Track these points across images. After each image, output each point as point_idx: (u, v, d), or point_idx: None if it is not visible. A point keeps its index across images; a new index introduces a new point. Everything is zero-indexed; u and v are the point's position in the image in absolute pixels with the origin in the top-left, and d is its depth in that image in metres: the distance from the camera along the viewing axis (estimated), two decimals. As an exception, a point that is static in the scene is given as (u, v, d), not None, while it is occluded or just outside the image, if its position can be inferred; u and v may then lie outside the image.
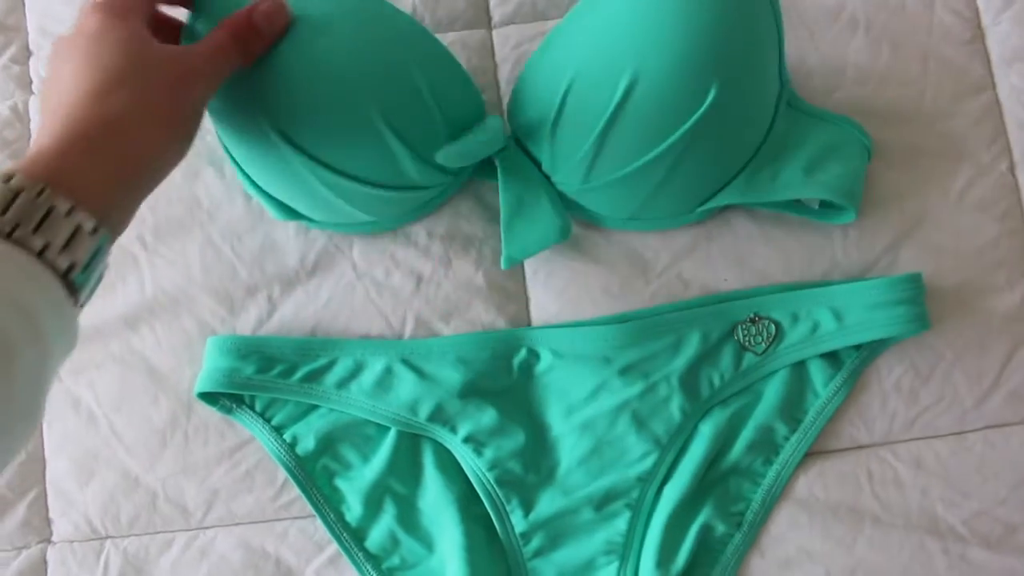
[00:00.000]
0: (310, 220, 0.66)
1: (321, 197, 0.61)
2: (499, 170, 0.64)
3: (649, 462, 0.64)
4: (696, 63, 0.56)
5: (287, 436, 0.65)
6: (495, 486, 0.64)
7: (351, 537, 0.64)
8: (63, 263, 0.43)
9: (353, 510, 0.64)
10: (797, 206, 0.66)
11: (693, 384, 0.64)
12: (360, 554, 0.64)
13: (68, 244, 0.43)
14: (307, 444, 0.65)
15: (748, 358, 0.64)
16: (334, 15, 0.56)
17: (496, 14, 0.72)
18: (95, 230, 0.44)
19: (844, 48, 0.70)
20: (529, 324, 0.67)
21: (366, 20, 0.57)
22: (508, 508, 0.64)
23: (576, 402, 0.65)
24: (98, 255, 0.45)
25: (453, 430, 0.64)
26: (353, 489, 0.64)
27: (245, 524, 0.66)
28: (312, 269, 0.68)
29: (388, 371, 0.65)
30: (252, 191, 0.65)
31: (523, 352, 0.65)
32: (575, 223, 0.66)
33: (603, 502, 0.64)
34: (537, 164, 0.64)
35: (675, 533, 0.63)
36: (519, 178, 0.64)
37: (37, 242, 0.42)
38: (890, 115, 0.68)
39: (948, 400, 0.66)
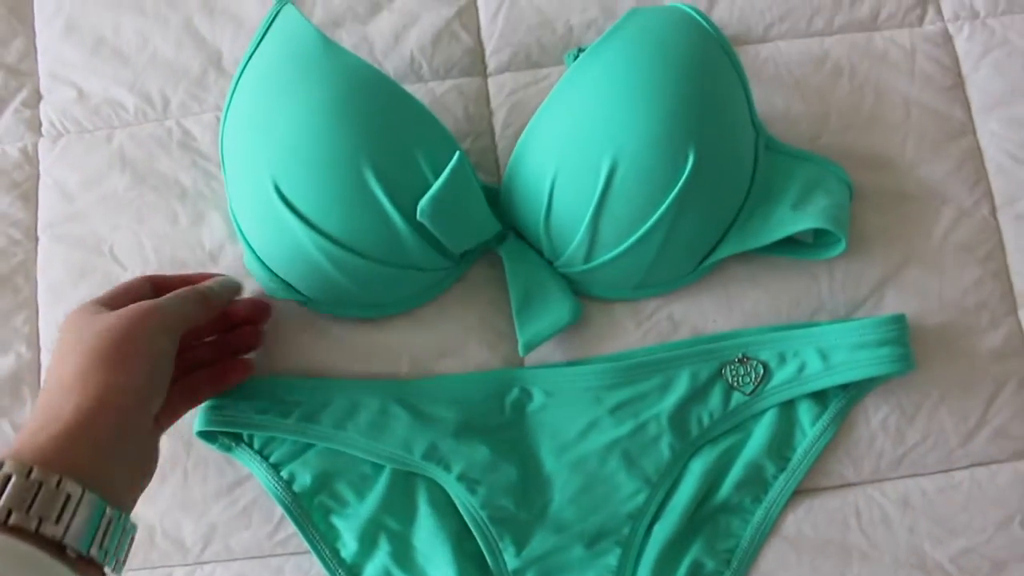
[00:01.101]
0: (309, 300, 0.68)
1: (325, 274, 0.63)
2: (504, 261, 0.67)
3: (639, 500, 0.65)
4: (671, 135, 0.59)
5: (284, 473, 0.66)
6: (488, 523, 0.64)
7: (346, 573, 0.65)
8: (57, 532, 0.45)
9: (348, 547, 0.65)
10: (788, 246, 0.68)
11: (682, 423, 0.65)
12: None
13: (61, 515, 0.45)
14: (304, 481, 0.66)
15: (736, 398, 0.66)
16: (325, 74, 0.59)
17: (491, 63, 0.74)
18: (81, 496, 0.46)
19: (828, 95, 0.72)
20: (522, 364, 0.69)
21: (356, 80, 0.60)
22: (501, 545, 0.64)
23: (567, 440, 0.66)
24: (103, 524, 0.47)
25: (447, 468, 0.65)
26: (348, 526, 0.65)
27: (242, 560, 0.67)
28: (309, 311, 0.69)
29: (383, 411, 0.66)
30: (254, 267, 0.67)
31: (515, 391, 0.66)
32: (583, 299, 0.68)
33: (594, 539, 0.65)
34: (539, 251, 0.67)
35: (665, 570, 0.64)
36: (524, 267, 0.67)
37: (31, 522, 0.44)
38: (874, 160, 0.70)
39: (934, 438, 0.67)
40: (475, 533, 0.64)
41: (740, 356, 0.66)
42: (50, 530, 0.44)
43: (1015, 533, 0.65)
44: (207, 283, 0.61)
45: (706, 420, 0.66)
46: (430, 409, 0.66)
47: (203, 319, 0.60)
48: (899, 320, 0.65)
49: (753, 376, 0.66)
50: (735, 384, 0.66)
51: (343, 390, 0.67)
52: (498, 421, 0.66)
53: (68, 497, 0.45)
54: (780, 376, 0.66)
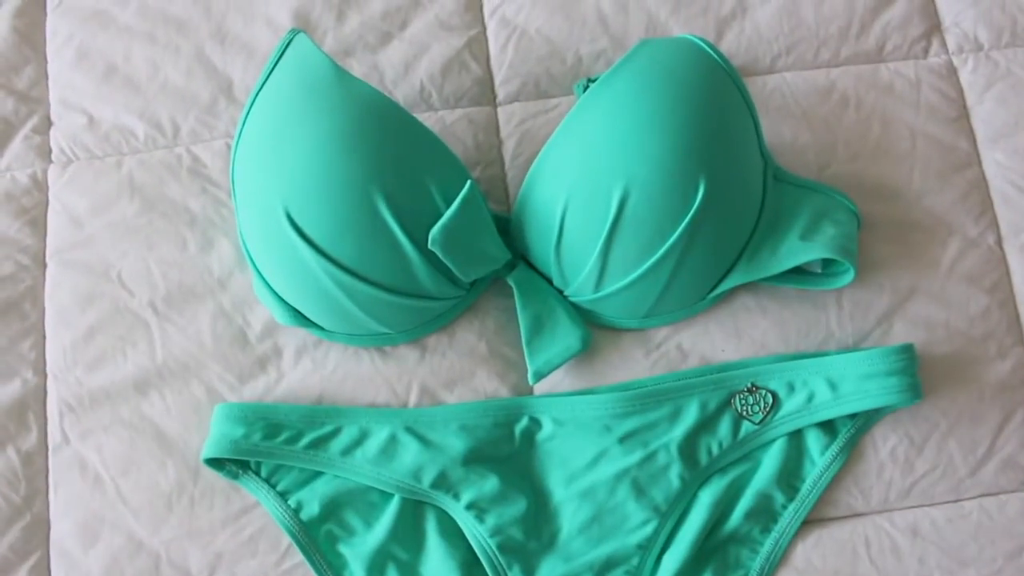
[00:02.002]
0: (321, 329, 0.68)
1: (335, 301, 0.63)
2: (515, 290, 0.67)
3: (649, 529, 0.65)
4: (682, 165, 0.60)
5: (292, 502, 0.66)
6: (497, 552, 0.64)
7: None
8: None
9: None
10: (797, 276, 0.68)
11: (692, 452, 0.65)
12: None
13: None
14: (311, 510, 0.65)
15: (746, 427, 0.66)
16: (337, 103, 0.60)
17: (501, 92, 0.75)
18: None
19: (835, 126, 0.72)
20: (531, 393, 0.69)
21: (369, 109, 0.60)
22: (510, 574, 0.64)
23: (577, 470, 0.66)
24: None
25: (456, 497, 0.65)
26: (356, 555, 0.65)
27: (249, 589, 0.67)
28: (319, 339, 0.69)
29: (392, 439, 0.66)
30: (263, 294, 0.67)
31: (525, 420, 0.66)
32: (592, 328, 0.68)
33: (603, 569, 0.64)
34: (548, 280, 0.67)
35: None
36: (534, 296, 0.67)
37: None
38: (880, 190, 0.71)
39: (943, 468, 0.67)
40: (483, 562, 0.64)
41: (749, 385, 0.66)
42: None
43: (1024, 564, 0.65)
44: None
45: (715, 449, 0.66)
46: (439, 438, 0.66)
47: None
48: (907, 350, 0.65)
49: (762, 405, 0.66)
50: (744, 413, 0.66)
51: (352, 418, 0.66)
52: (508, 450, 0.66)
53: None
54: (789, 405, 0.66)
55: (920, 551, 0.66)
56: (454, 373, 0.69)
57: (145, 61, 0.75)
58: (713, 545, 0.65)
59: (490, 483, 0.65)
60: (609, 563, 0.64)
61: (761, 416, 0.66)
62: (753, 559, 0.65)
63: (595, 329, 0.69)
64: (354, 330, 0.67)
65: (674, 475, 0.65)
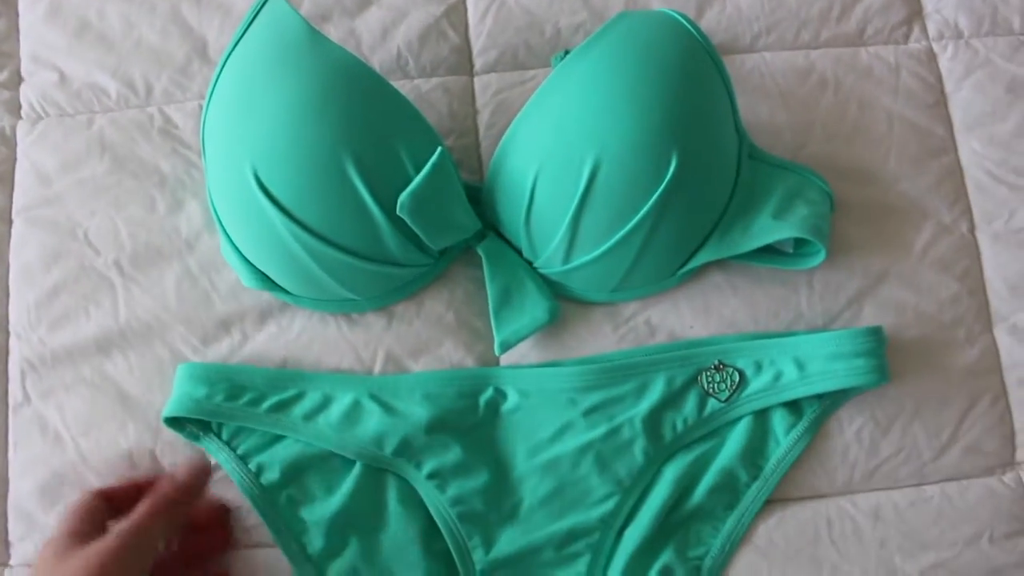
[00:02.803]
0: (287, 294, 0.68)
1: (303, 266, 0.62)
2: (483, 260, 0.66)
3: (611, 504, 0.64)
4: (655, 137, 0.59)
5: (252, 465, 0.65)
6: (457, 522, 0.64)
7: (312, 569, 0.64)
8: None
9: (315, 542, 0.64)
10: (768, 255, 0.68)
11: (656, 428, 0.65)
12: None
13: None
14: (272, 474, 0.65)
15: (712, 404, 0.66)
16: (310, 64, 0.59)
17: (478, 62, 0.74)
18: None
19: (813, 107, 0.72)
20: (498, 364, 0.68)
21: (341, 72, 0.60)
22: (469, 545, 0.64)
23: (540, 442, 0.65)
24: None
25: (418, 466, 0.65)
26: (316, 521, 0.64)
27: (207, 553, 0.66)
28: (285, 304, 0.69)
29: (356, 405, 0.65)
30: (231, 257, 0.67)
31: (490, 391, 0.66)
32: (561, 300, 0.68)
33: (564, 542, 0.64)
34: (518, 251, 0.67)
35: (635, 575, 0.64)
36: (503, 266, 0.66)
37: None
38: (856, 173, 0.71)
39: (907, 452, 0.67)
40: (443, 532, 0.64)
41: (716, 363, 0.66)
42: None
43: (984, 549, 0.65)
44: (169, 486, 0.59)
45: (680, 426, 0.65)
46: (403, 405, 0.65)
47: (174, 533, 0.60)
48: (876, 332, 0.65)
49: (729, 383, 0.66)
50: (711, 391, 0.66)
51: (316, 383, 0.66)
52: (472, 420, 0.66)
53: None
54: (756, 384, 0.66)
55: (881, 534, 0.66)
56: (421, 342, 0.68)
57: (119, 18, 0.74)
58: (675, 521, 0.65)
59: (452, 453, 0.64)
60: (570, 536, 0.64)
61: (727, 394, 0.65)
62: (715, 536, 0.65)
63: (564, 302, 0.68)
64: (320, 295, 0.67)
65: (638, 450, 0.65)
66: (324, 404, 0.65)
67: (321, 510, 0.65)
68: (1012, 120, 0.72)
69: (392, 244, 0.62)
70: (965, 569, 0.65)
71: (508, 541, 0.64)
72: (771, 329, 0.68)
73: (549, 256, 0.64)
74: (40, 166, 0.72)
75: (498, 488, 0.65)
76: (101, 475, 0.67)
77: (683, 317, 0.68)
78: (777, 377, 0.65)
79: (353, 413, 0.65)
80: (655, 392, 0.65)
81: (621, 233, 0.61)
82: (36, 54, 0.75)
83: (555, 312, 0.66)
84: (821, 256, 0.66)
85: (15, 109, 0.74)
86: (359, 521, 0.65)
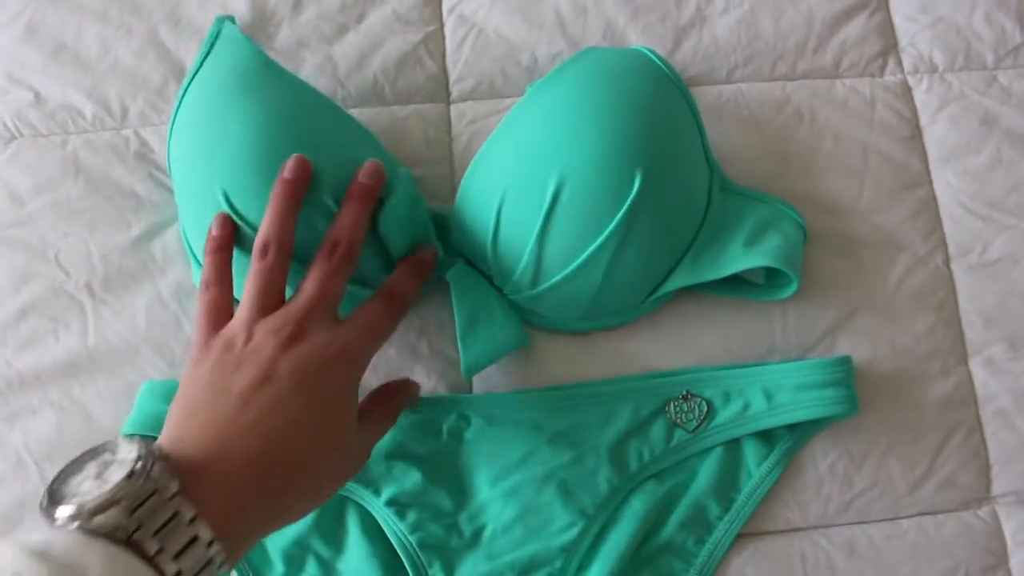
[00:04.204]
0: None
1: None
2: (451, 286, 0.66)
3: (574, 532, 0.63)
4: (618, 155, 0.59)
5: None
6: (417, 549, 0.63)
7: None
8: (171, 570, 0.43)
9: (275, 568, 0.63)
10: (741, 287, 0.68)
11: (622, 457, 0.64)
12: None
13: (182, 552, 0.43)
14: None
15: (679, 434, 0.65)
16: (269, 90, 0.60)
17: (455, 90, 0.74)
18: (211, 543, 0.45)
19: (788, 138, 0.72)
20: (470, 391, 0.68)
21: (301, 98, 0.61)
22: (430, 572, 0.63)
23: (504, 468, 0.64)
24: (206, 569, 0.45)
25: (376, 492, 0.64)
26: (275, 546, 0.63)
27: (170, 581, 0.65)
28: (257, 326, 0.68)
29: None
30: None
31: (453, 417, 0.65)
32: (533, 330, 0.67)
33: (526, 570, 0.63)
34: (488, 278, 0.66)
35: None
36: (470, 292, 0.66)
37: (153, 545, 0.42)
38: (831, 204, 0.71)
39: (882, 486, 0.66)
40: (403, 558, 0.63)
41: (684, 393, 0.65)
42: (167, 566, 0.43)
43: (960, 585, 0.65)
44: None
45: (646, 455, 0.65)
46: None
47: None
48: (845, 362, 0.65)
49: (697, 413, 0.65)
50: (678, 421, 0.65)
51: None
52: (434, 446, 0.65)
53: (195, 538, 0.44)
54: (724, 415, 0.65)
55: (856, 568, 0.65)
56: (391, 369, 0.68)
57: (96, 40, 0.74)
58: (645, 555, 0.64)
59: (412, 479, 0.64)
60: (532, 564, 0.63)
61: (695, 424, 0.65)
62: (687, 571, 0.64)
63: (535, 332, 0.68)
64: None
65: (602, 479, 0.64)
66: None
67: (280, 535, 0.64)
68: (986, 153, 0.72)
69: (361, 265, 0.62)
70: (940, 605, 0.64)
71: (469, 568, 0.63)
72: (746, 360, 0.68)
73: (516, 280, 0.64)
74: (12, 186, 0.71)
75: (459, 514, 0.64)
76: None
77: (657, 347, 0.68)
78: (745, 408, 0.65)
79: None
80: (621, 421, 0.65)
81: (587, 253, 0.61)
82: (11, 73, 0.74)
83: (523, 338, 0.65)
84: (793, 287, 0.66)
85: (-11, 129, 0.74)
86: (318, 548, 0.64)
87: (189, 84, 0.63)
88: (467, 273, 0.66)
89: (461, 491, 0.64)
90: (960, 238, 0.71)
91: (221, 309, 0.56)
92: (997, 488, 0.67)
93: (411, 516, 0.63)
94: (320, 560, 0.63)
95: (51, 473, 0.64)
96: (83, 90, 0.74)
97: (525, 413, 0.65)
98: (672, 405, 0.65)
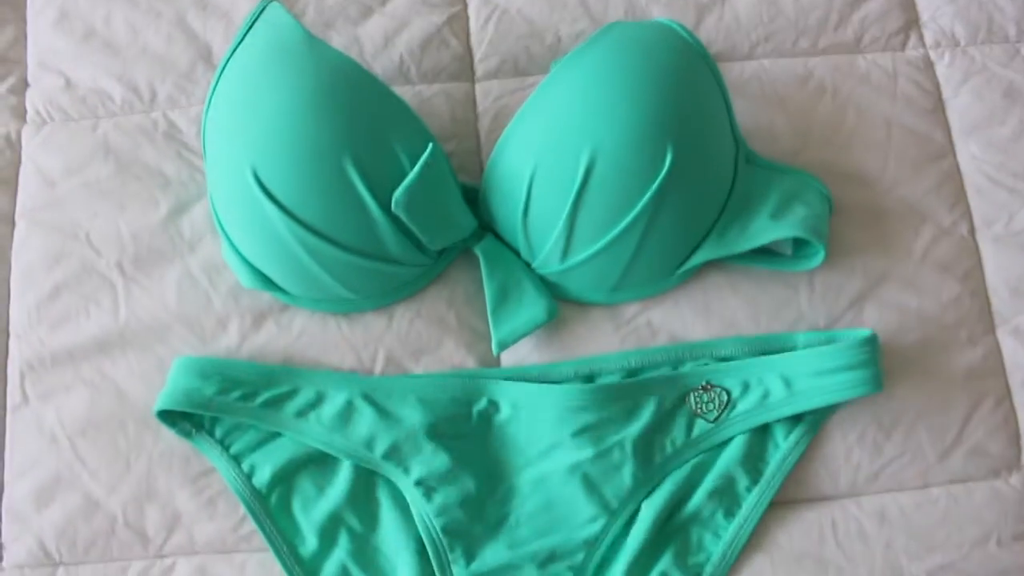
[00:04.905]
0: (285, 293, 0.68)
1: (302, 264, 0.63)
2: (481, 260, 0.66)
3: (597, 527, 0.63)
4: (650, 131, 0.60)
5: (245, 465, 0.65)
6: (440, 533, 0.63)
7: (303, 572, 0.63)
8: None
9: (308, 543, 0.64)
10: (768, 257, 0.68)
11: (647, 450, 0.64)
12: None
13: None
14: (264, 474, 0.64)
15: (700, 425, 0.65)
16: (308, 67, 0.60)
17: (479, 69, 0.75)
18: None
19: (811, 112, 0.73)
20: (499, 365, 0.68)
21: (339, 74, 0.61)
22: (451, 557, 0.63)
23: (531, 457, 0.64)
24: None
25: (406, 471, 0.64)
26: (308, 521, 0.64)
27: (204, 554, 0.65)
28: (285, 304, 0.69)
29: (349, 405, 0.65)
30: (231, 259, 0.67)
31: (484, 401, 0.65)
32: (561, 303, 0.68)
33: (547, 561, 0.63)
34: (516, 252, 0.67)
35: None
36: (500, 266, 0.66)
37: None
38: (855, 177, 0.71)
39: (911, 454, 0.66)
40: (425, 541, 0.63)
41: (704, 383, 0.65)
42: None
43: (991, 551, 0.64)
44: None
45: (669, 448, 0.65)
46: (396, 408, 0.65)
47: None
48: (867, 343, 0.64)
49: (717, 404, 0.65)
50: (699, 411, 0.65)
51: (309, 380, 0.65)
52: (464, 429, 0.65)
53: None
54: (744, 404, 0.65)
55: (887, 536, 0.65)
56: (421, 342, 0.68)
57: (125, 25, 0.75)
58: (674, 527, 0.64)
59: (441, 461, 0.63)
60: (553, 555, 0.63)
61: (716, 414, 0.65)
62: (716, 543, 0.64)
63: (564, 304, 0.68)
64: (320, 295, 0.67)
65: (627, 473, 0.64)
66: (317, 402, 0.65)
67: (314, 510, 0.64)
68: (1010, 125, 0.73)
69: (390, 242, 0.62)
70: (973, 571, 0.64)
71: (491, 555, 0.63)
72: (773, 330, 0.68)
73: (547, 255, 0.64)
74: (44, 169, 0.73)
75: (485, 500, 0.64)
76: (97, 475, 0.66)
77: (684, 318, 0.68)
78: (765, 396, 0.65)
79: (345, 413, 0.64)
80: (646, 414, 0.64)
81: (618, 229, 0.61)
82: (43, 60, 0.75)
83: (553, 311, 0.66)
84: (820, 257, 0.66)
85: (21, 114, 0.75)
86: (351, 522, 0.64)
87: (227, 61, 0.63)
88: (496, 247, 0.67)
89: (488, 476, 0.64)
90: (985, 209, 0.71)
91: None
92: (1027, 456, 0.67)
93: (438, 499, 0.63)
94: (353, 533, 0.64)
95: (84, 449, 0.66)
96: (113, 74, 0.75)
97: (550, 404, 0.64)
98: (692, 396, 0.65)
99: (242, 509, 0.65)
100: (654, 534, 0.63)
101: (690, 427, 0.65)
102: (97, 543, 0.66)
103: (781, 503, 0.65)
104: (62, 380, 0.68)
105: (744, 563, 0.64)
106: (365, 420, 0.64)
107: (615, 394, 0.65)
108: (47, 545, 0.66)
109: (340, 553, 0.64)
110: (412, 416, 0.64)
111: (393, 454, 0.64)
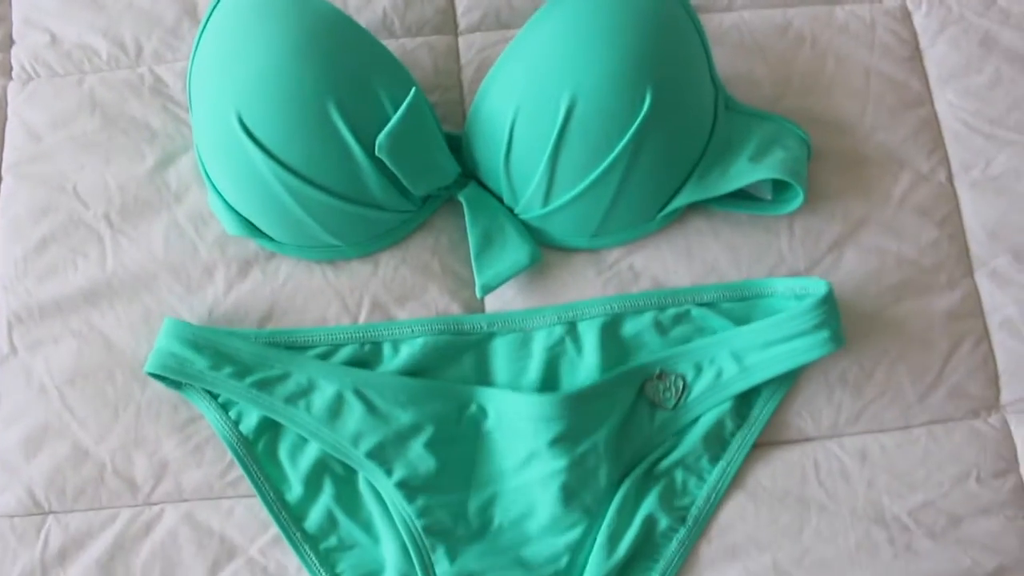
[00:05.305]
0: (272, 241, 0.68)
1: (286, 209, 0.63)
2: (464, 206, 0.67)
3: (578, 532, 0.64)
4: (629, 74, 0.60)
5: (232, 413, 0.65)
6: (422, 533, 0.63)
7: (289, 517, 0.64)
8: None
9: (294, 489, 0.64)
10: (748, 202, 0.69)
11: (617, 448, 0.65)
12: (298, 534, 0.64)
13: None
14: (251, 420, 0.65)
15: (660, 415, 0.65)
16: (292, 13, 0.61)
17: (463, 22, 0.76)
18: None
19: (791, 61, 0.74)
20: (483, 310, 0.69)
21: (323, 19, 0.61)
22: (433, 556, 0.63)
23: (514, 465, 0.64)
24: None
25: (388, 472, 0.64)
26: (294, 467, 0.64)
27: (192, 501, 0.66)
28: (271, 252, 0.69)
29: (339, 397, 0.64)
30: (217, 208, 0.68)
31: (473, 407, 0.65)
32: (544, 248, 0.68)
33: (532, 566, 0.64)
34: (499, 199, 0.67)
35: (620, 523, 0.64)
36: (484, 212, 0.67)
37: None
38: (834, 124, 0.72)
39: (892, 394, 0.67)
40: (407, 540, 0.63)
41: (658, 372, 0.66)
42: None
43: (971, 488, 0.65)
44: None
45: (637, 440, 0.65)
46: (386, 407, 0.64)
47: None
48: (817, 307, 0.64)
49: (674, 391, 0.65)
50: (656, 401, 0.65)
51: (302, 367, 0.65)
52: (452, 433, 0.65)
53: None
54: (699, 386, 0.65)
55: (869, 475, 0.66)
56: (406, 288, 0.69)
57: (111, -20, 0.76)
58: (661, 471, 0.65)
59: (426, 465, 0.64)
60: (537, 560, 0.64)
61: (673, 401, 0.65)
62: (701, 486, 0.65)
63: (548, 250, 0.69)
64: (304, 241, 0.67)
65: (603, 475, 0.64)
66: (307, 390, 0.64)
67: (300, 457, 0.65)
68: (986, 73, 0.74)
69: (374, 186, 0.63)
70: (953, 508, 0.65)
71: (474, 558, 0.64)
72: (753, 274, 0.69)
73: (529, 198, 0.65)
74: (30, 124, 0.73)
75: (469, 504, 0.64)
76: (85, 424, 0.67)
77: (666, 263, 0.69)
78: (718, 375, 0.65)
79: (335, 406, 0.64)
80: (613, 416, 0.64)
81: (598, 171, 0.62)
82: (28, 17, 0.76)
83: (536, 255, 0.66)
84: (799, 200, 0.67)
85: (6, 71, 0.75)
86: (336, 468, 0.65)
87: (213, 10, 0.64)
88: (480, 194, 0.68)
89: (473, 481, 0.64)
90: (962, 155, 0.72)
91: None
92: (1006, 396, 0.68)
93: (419, 501, 0.63)
94: (337, 479, 0.65)
95: (73, 398, 0.66)
96: (98, 30, 0.75)
97: (526, 414, 0.64)
98: (648, 387, 0.65)
99: (229, 456, 0.65)
100: (632, 493, 0.64)
101: (652, 418, 0.65)
102: (86, 491, 0.66)
103: (764, 445, 0.66)
104: (50, 331, 0.69)
105: (728, 503, 0.65)
106: (354, 416, 0.64)
107: (582, 401, 0.64)
108: (36, 494, 0.66)
109: (325, 498, 0.64)
110: (401, 416, 0.64)
111: (377, 453, 0.64)
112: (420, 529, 0.63)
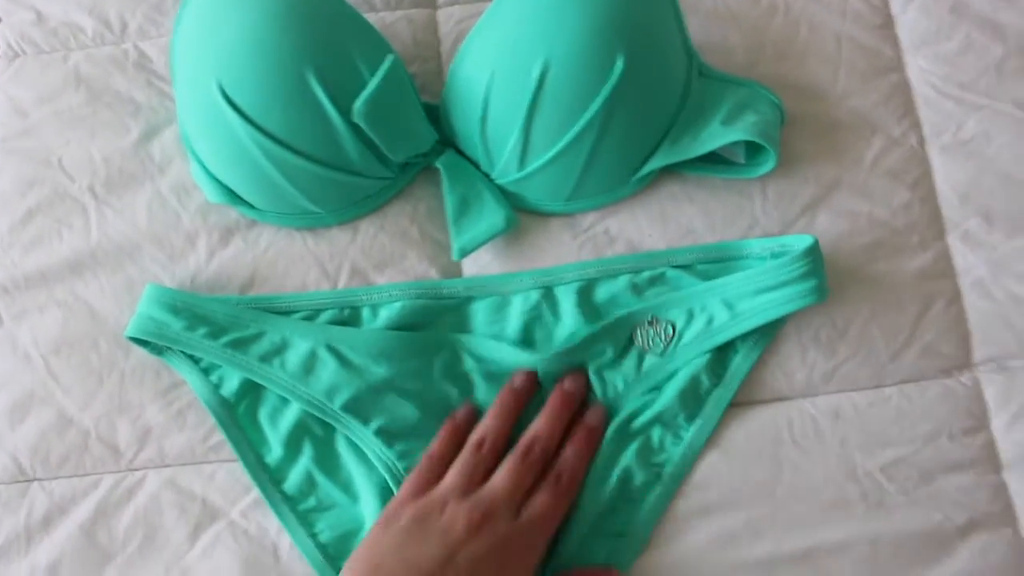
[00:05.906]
0: (253, 209, 0.69)
1: (267, 176, 0.65)
2: (442, 173, 0.68)
3: None
4: (601, 39, 0.61)
5: (213, 377, 0.66)
6: (405, 476, 0.64)
7: (269, 479, 0.65)
8: None
9: (274, 451, 0.65)
10: (721, 166, 0.70)
11: (602, 391, 0.66)
12: (277, 495, 0.65)
13: None
14: (232, 384, 0.66)
15: (648, 360, 0.66)
16: None
17: (442, -5, 0.77)
18: None
19: (764, 29, 0.74)
20: (460, 274, 0.70)
21: None
22: None
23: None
24: None
25: (365, 422, 0.65)
26: (274, 430, 0.65)
27: (175, 466, 0.67)
28: (252, 220, 0.71)
29: (312, 354, 0.65)
30: (200, 178, 0.69)
31: (446, 354, 0.66)
32: (520, 213, 0.70)
33: None
34: (476, 165, 0.69)
35: (597, 475, 0.64)
36: (461, 178, 0.68)
37: None
38: (807, 89, 0.73)
39: (865, 354, 0.68)
40: (391, 483, 0.64)
41: (650, 318, 0.67)
42: None
43: (943, 445, 0.66)
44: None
45: (621, 386, 0.66)
46: (360, 360, 0.65)
47: None
48: (806, 256, 0.64)
49: (663, 337, 0.66)
50: (647, 346, 0.66)
51: (275, 326, 0.66)
52: (427, 383, 0.66)
53: None
54: (690, 333, 0.66)
55: (842, 433, 0.66)
56: (385, 254, 0.70)
57: (95, -43, 0.77)
58: (639, 426, 0.66)
59: (405, 411, 0.65)
60: None
61: (662, 347, 0.66)
62: (677, 444, 0.66)
63: (524, 215, 0.70)
64: (285, 208, 0.68)
65: None
66: (281, 348, 0.65)
67: (280, 420, 0.66)
68: (956, 39, 0.74)
69: (352, 152, 0.64)
70: (924, 464, 0.65)
71: None
72: (727, 237, 0.69)
73: (504, 163, 0.66)
74: (16, 99, 0.74)
75: None
76: (70, 391, 0.68)
77: (641, 226, 0.70)
78: (709, 322, 0.66)
79: (308, 362, 0.65)
80: (601, 360, 0.66)
81: (571, 134, 0.63)
82: (14, -6, 0.77)
83: (512, 220, 0.67)
84: (771, 162, 0.67)
85: (-8, 48, 0.77)
86: (315, 430, 0.66)
87: None
88: (457, 160, 0.69)
89: None
90: (934, 119, 0.73)
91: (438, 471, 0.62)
92: (977, 356, 0.68)
93: (399, 445, 0.64)
94: (316, 440, 0.66)
95: (57, 366, 0.67)
96: (84, 7, 0.76)
97: (508, 365, 0.66)
98: (639, 332, 0.66)
99: (210, 421, 0.66)
100: (614, 442, 0.65)
101: (639, 363, 0.66)
102: (70, 458, 0.67)
103: (739, 404, 0.67)
104: (36, 301, 0.70)
105: (702, 461, 0.66)
106: (328, 370, 0.65)
107: (568, 353, 0.65)
108: (21, 461, 0.67)
109: (304, 460, 0.65)
110: (375, 369, 0.65)
111: (353, 405, 0.65)
112: (403, 472, 0.64)
